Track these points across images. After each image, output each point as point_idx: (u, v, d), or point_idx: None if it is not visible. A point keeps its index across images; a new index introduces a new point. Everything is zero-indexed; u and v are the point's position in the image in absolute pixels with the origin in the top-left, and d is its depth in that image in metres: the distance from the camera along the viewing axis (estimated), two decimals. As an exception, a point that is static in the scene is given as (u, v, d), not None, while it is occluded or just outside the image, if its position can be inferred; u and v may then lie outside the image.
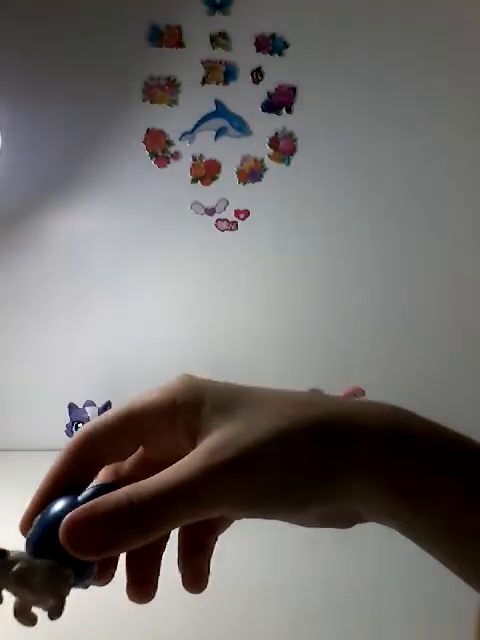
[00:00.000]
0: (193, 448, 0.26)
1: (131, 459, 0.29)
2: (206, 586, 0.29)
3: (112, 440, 0.28)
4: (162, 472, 0.25)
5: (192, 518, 0.25)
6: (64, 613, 0.27)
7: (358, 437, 0.26)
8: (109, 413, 0.27)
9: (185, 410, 0.28)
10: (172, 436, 0.28)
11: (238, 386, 0.29)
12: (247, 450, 0.25)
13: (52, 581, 0.25)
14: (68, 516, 0.25)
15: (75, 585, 0.26)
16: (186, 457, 0.25)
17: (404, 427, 0.27)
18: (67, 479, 0.28)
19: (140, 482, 0.25)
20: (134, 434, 0.28)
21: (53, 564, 0.25)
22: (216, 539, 0.31)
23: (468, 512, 0.25)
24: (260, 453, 0.25)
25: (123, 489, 0.25)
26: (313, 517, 0.27)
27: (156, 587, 0.30)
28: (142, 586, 0.30)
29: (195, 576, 0.30)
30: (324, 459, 0.25)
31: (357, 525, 0.28)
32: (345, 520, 0.28)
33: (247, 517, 0.27)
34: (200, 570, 0.30)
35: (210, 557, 0.31)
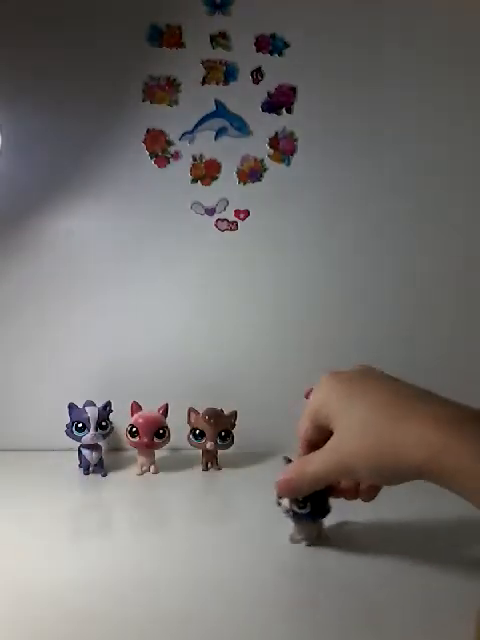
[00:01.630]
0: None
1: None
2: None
3: (313, 436, 0.54)
4: (312, 457, 0.51)
5: (330, 482, 0.54)
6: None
7: (405, 446, 0.43)
8: (305, 427, 0.54)
9: (324, 412, 0.51)
10: (326, 423, 0.51)
11: (345, 392, 0.50)
12: (345, 455, 0.48)
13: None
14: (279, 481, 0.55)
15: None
16: (321, 450, 0.50)
17: (439, 458, 0.42)
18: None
19: (302, 460, 0.53)
20: (317, 428, 0.53)
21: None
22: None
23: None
24: (351, 456, 0.47)
25: (297, 465, 0.53)
26: None
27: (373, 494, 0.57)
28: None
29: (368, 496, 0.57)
30: (386, 460, 0.45)
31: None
32: None
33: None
34: (371, 494, 0.57)
35: (378, 489, 0.56)
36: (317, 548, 0.63)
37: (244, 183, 0.92)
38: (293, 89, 0.90)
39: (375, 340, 0.95)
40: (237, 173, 0.92)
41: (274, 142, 0.91)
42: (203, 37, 0.89)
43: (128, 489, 0.80)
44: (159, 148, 0.90)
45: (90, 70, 0.88)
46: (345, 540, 0.64)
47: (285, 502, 0.58)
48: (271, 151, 0.92)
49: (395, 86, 0.91)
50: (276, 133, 0.91)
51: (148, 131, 0.90)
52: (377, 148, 0.92)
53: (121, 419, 0.85)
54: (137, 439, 0.83)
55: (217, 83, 0.90)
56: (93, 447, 0.83)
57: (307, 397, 0.85)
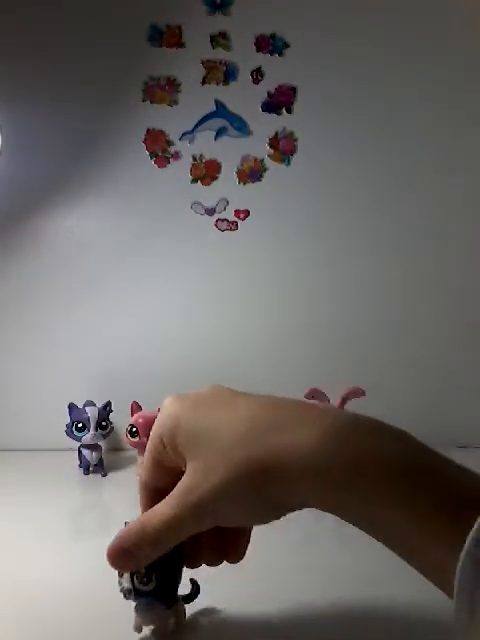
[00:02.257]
0: (184, 467, 0.37)
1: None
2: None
3: (156, 480, 0.42)
4: (159, 507, 0.38)
5: (183, 539, 0.38)
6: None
7: (284, 478, 0.34)
8: (146, 467, 0.42)
9: (171, 442, 0.38)
10: (174, 458, 0.39)
11: (201, 414, 0.38)
12: (207, 498, 0.35)
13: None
14: (108, 549, 0.39)
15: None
16: (172, 494, 0.37)
17: (327, 464, 0.33)
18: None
19: (146, 516, 0.38)
20: (162, 468, 0.41)
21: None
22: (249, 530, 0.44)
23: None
24: (217, 499, 0.35)
25: (132, 527, 0.39)
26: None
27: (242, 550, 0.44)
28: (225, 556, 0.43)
29: (234, 552, 0.44)
30: (264, 499, 0.35)
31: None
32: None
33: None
34: (236, 548, 0.44)
35: (248, 537, 0.44)
36: (318, 544, 0.63)
37: (244, 183, 0.92)
38: (293, 89, 0.90)
39: (375, 340, 0.95)
40: (237, 173, 0.92)
41: (274, 142, 0.91)
42: (203, 37, 0.89)
43: (128, 489, 0.80)
44: (159, 148, 0.90)
45: (90, 70, 0.88)
46: (345, 539, 0.64)
47: (125, 579, 0.41)
48: (271, 151, 0.92)
49: (395, 86, 0.91)
50: (276, 133, 0.91)
51: (148, 131, 0.90)
52: (377, 148, 0.92)
53: (121, 419, 0.85)
54: (137, 439, 0.83)
55: (217, 83, 0.90)
56: (93, 447, 0.83)
57: (307, 397, 0.86)
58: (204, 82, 0.90)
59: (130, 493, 0.79)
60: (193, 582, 0.46)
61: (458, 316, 0.96)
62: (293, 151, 0.92)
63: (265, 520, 0.38)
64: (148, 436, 0.82)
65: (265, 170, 0.92)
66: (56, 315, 0.92)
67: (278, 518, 0.37)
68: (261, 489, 0.34)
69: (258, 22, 0.88)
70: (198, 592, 0.46)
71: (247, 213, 0.92)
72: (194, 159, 0.91)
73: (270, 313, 0.95)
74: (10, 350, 0.92)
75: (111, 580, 0.56)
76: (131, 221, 0.92)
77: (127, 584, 0.41)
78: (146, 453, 0.41)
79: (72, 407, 0.82)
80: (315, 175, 0.92)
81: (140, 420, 0.83)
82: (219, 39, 0.89)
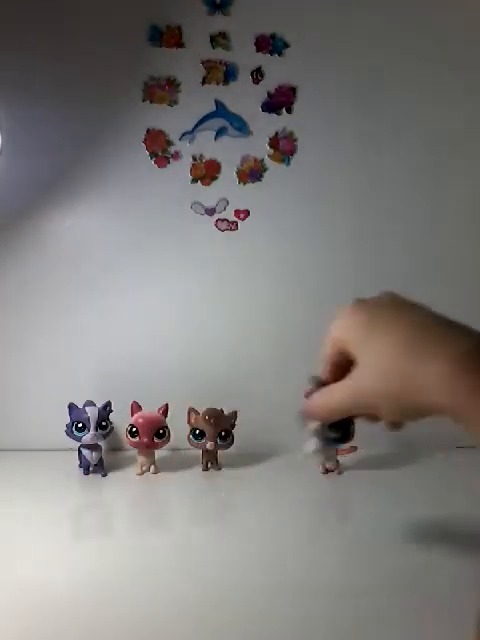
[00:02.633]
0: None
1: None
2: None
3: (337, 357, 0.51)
4: (331, 390, 0.50)
5: (353, 412, 0.50)
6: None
7: (423, 388, 0.41)
8: (326, 350, 0.54)
9: (343, 347, 0.50)
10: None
11: (366, 326, 0.48)
12: (362, 392, 0.46)
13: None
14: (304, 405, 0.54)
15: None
16: (343, 382, 0.49)
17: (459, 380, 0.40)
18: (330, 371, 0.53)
19: (324, 392, 0.51)
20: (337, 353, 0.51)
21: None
22: None
23: None
24: (367, 394, 0.45)
25: (324, 394, 0.51)
26: None
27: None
28: None
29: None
30: (404, 401, 0.43)
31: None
32: None
33: None
34: None
35: None
36: (318, 544, 0.63)
37: (244, 183, 0.92)
38: (293, 89, 0.90)
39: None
40: (237, 173, 0.92)
41: (274, 142, 0.91)
42: (203, 37, 0.89)
43: (128, 489, 0.80)
44: (159, 148, 0.90)
45: (90, 70, 0.88)
46: (345, 539, 0.64)
47: (313, 425, 0.57)
48: (271, 151, 0.92)
49: (395, 86, 0.91)
50: (276, 133, 0.91)
51: (148, 131, 0.90)
52: (377, 148, 0.92)
53: (121, 419, 0.85)
54: (137, 439, 0.83)
55: (217, 83, 0.90)
56: (93, 447, 0.83)
57: (307, 397, 0.86)
58: (204, 82, 0.90)
59: (130, 493, 0.80)
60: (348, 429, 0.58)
61: (459, 315, 0.96)
62: (293, 151, 0.92)
63: (409, 417, 0.45)
64: (148, 436, 0.82)
65: (265, 170, 0.92)
66: (56, 315, 0.92)
67: (417, 419, 0.44)
68: (406, 392, 0.42)
69: (258, 22, 0.88)
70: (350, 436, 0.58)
71: (247, 213, 0.92)
72: (194, 159, 0.91)
73: (270, 312, 0.95)
74: (10, 350, 0.92)
75: (111, 579, 0.56)
76: (131, 221, 0.92)
77: (317, 428, 0.56)
78: (325, 343, 0.53)
79: (72, 407, 0.82)
80: (315, 175, 0.92)
81: (140, 420, 0.83)
82: (219, 39, 0.89)
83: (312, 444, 0.58)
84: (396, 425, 0.52)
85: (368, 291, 0.98)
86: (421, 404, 0.41)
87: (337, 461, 0.85)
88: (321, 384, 0.56)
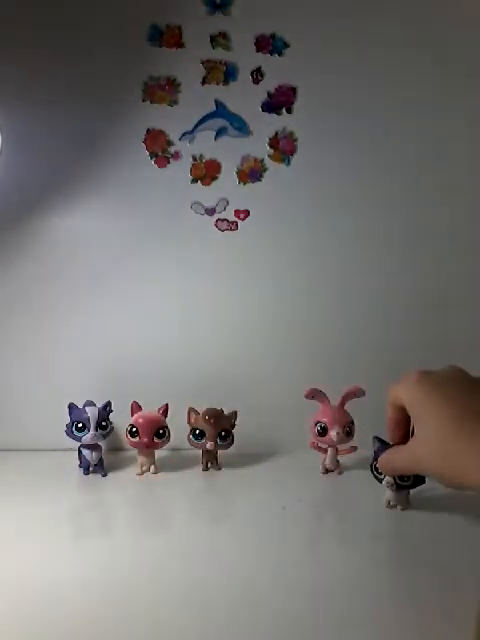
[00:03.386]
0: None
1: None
2: None
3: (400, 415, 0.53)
4: (399, 451, 0.52)
5: (414, 472, 0.58)
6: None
7: (467, 470, 0.44)
8: (391, 407, 0.54)
9: (405, 412, 0.52)
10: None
11: (423, 398, 0.50)
12: (419, 463, 0.48)
13: None
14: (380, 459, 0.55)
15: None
16: (406, 447, 0.51)
17: None
18: (396, 428, 0.54)
19: (393, 451, 0.53)
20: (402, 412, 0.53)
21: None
22: None
23: None
24: (423, 466, 0.48)
25: (388, 455, 0.53)
26: None
27: None
28: None
29: None
30: (450, 478, 0.46)
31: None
32: None
33: None
34: None
35: None
36: (318, 544, 0.63)
37: (244, 183, 0.92)
38: (293, 89, 0.90)
39: (376, 339, 0.95)
40: (237, 173, 0.92)
41: (274, 142, 0.91)
42: (203, 37, 0.88)
43: (128, 489, 0.80)
44: (159, 148, 0.90)
45: (90, 70, 0.88)
46: (346, 539, 0.64)
47: (388, 477, 0.72)
48: (271, 151, 0.92)
49: (395, 86, 0.91)
50: (276, 133, 0.91)
51: (148, 131, 0.90)
52: (377, 148, 0.92)
53: (121, 419, 0.85)
54: (137, 439, 0.83)
55: (217, 83, 0.90)
56: (93, 447, 0.83)
57: (307, 397, 0.86)
58: (204, 82, 0.90)
59: (130, 493, 0.80)
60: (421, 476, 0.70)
61: (460, 317, 0.96)
62: (293, 151, 0.92)
63: (459, 489, 0.47)
64: (148, 436, 0.82)
65: (265, 170, 0.92)
66: (56, 315, 0.92)
67: (467, 490, 0.47)
68: (452, 472, 0.45)
69: (258, 22, 0.88)
70: (424, 481, 0.72)
71: (247, 213, 0.92)
72: (194, 159, 0.91)
73: (270, 312, 0.95)
74: (10, 350, 0.92)
75: (111, 580, 0.56)
76: (131, 221, 0.92)
77: (390, 479, 0.72)
78: (389, 406, 0.54)
79: (72, 407, 0.82)
80: (315, 175, 0.92)
81: (140, 420, 0.83)
82: (219, 39, 0.89)
83: (387, 493, 0.72)
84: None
85: (369, 291, 0.98)
86: (465, 482, 0.44)
87: (337, 461, 0.85)
88: (383, 443, 0.66)
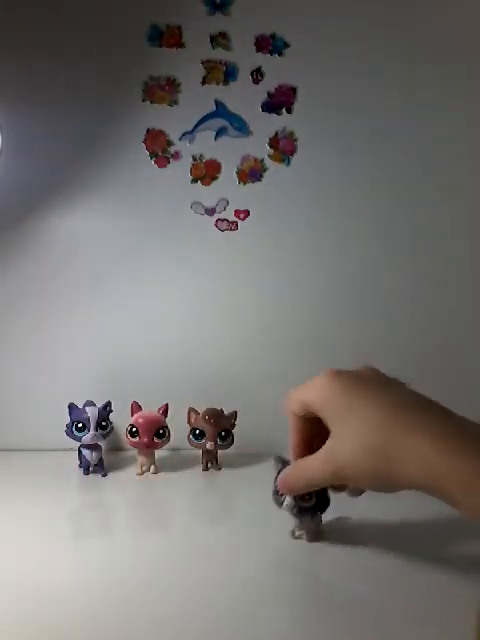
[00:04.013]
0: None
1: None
2: None
3: (304, 416, 0.53)
4: (307, 461, 0.50)
5: (326, 485, 0.54)
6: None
7: (405, 463, 0.43)
8: (295, 405, 0.53)
9: (316, 411, 0.50)
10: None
11: (346, 397, 0.47)
12: (341, 466, 0.46)
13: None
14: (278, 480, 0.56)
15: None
16: (318, 455, 0.49)
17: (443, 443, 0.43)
18: (297, 437, 0.54)
19: (300, 463, 0.52)
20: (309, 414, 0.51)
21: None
22: None
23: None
24: (348, 468, 0.46)
25: (294, 470, 0.53)
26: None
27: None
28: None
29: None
30: (385, 475, 0.44)
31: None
32: None
33: None
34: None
35: None
36: (316, 546, 0.63)
37: (244, 183, 0.92)
38: (293, 89, 0.90)
39: (375, 340, 0.95)
40: (237, 173, 0.92)
41: (274, 142, 0.91)
42: (203, 37, 0.88)
43: (128, 489, 0.80)
44: (159, 148, 0.90)
45: (90, 70, 0.88)
46: (343, 536, 0.64)
47: (288, 499, 0.59)
48: (271, 151, 0.92)
49: (395, 86, 0.91)
50: (276, 133, 0.91)
51: (148, 131, 0.90)
52: (377, 148, 0.92)
53: (121, 419, 0.85)
54: (137, 439, 0.83)
55: (217, 83, 0.90)
56: (93, 447, 0.83)
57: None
58: (204, 82, 0.90)
59: (130, 493, 0.79)
60: (325, 497, 0.60)
61: (461, 316, 0.96)
62: (293, 151, 0.92)
63: (385, 490, 0.47)
64: (148, 436, 0.82)
65: (265, 170, 0.92)
66: (56, 315, 0.92)
67: (393, 491, 0.46)
68: (386, 467, 0.43)
69: (258, 22, 0.88)
70: (328, 503, 0.61)
71: (247, 213, 0.92)
72: (194, 159, 0.91)
73: (270, 313, 0.95)
74: (10, 350, 0.92)
75: (111, 580, 0.56)
76: (131, 221, 0.92)
77: (291, 502, 0.59)
78: (294, 409, 0.53)
79: (72, 407, 0.82)
80: (315, 175, 0.92)
81: (140, 420, 0.83)
82: (219, 39, 0.89)
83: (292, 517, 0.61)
84: (360, 492, 0.55)
85: (369, 291, 0.98)
86: (399, 479, 0.43)
87: None
88: (286, 462, 0.58)
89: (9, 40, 0.86)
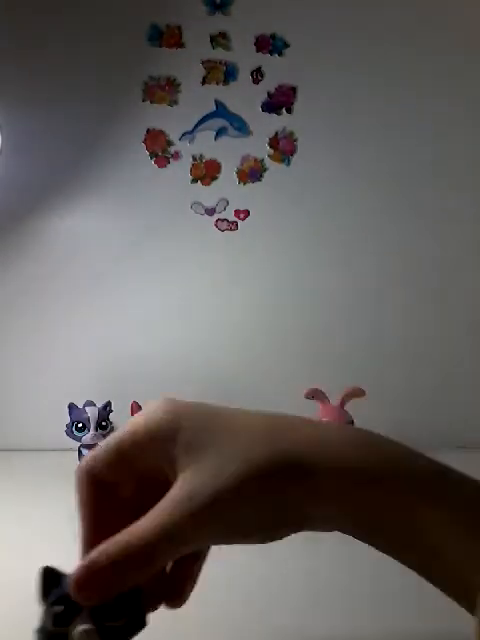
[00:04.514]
0: (173, 475, 0.31)
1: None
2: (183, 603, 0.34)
3: (110, 473, 0.32)
4: (148, 518, 0.29)
5: (176, 556, 0.31)
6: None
7: (312, 474, 0.29)
8: (100, 450, 0.33)
9: (163, 442, 0.31)
10: (155, 461, 0.32)
11: (208, 415, 0.33)
12: (217, 499, 0.29)
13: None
14: (73, 574, 0.29)
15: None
16: (165, 501, 0.30)
17: (360, 462, 0.30)
18: (94, 515, 0.33)
19: (130, 530, 0.29)
20: (126, 464, 0.32)
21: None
22: (201, 565, 0.37)
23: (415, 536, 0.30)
24: (227, 501, 0.29)
25: (117, 538, 0.29)
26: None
27: (187, 594, 0.35)
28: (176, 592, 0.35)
29: (179, 595, 0.35)
30: (282, 501, 0.29)
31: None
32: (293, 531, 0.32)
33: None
34: (183, 591, 0.35)
35: (195, 580, 0.36)
36: (316, 547, 0.63)
37: (244, 183, 0.92)
38: (293, 89, 0.90)
39: (375, 340, 0.95)
40: (237, 173, 0.92)
41: (274, 142, 0.91)
42: (203, 37, 0.88)
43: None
44: (159, 148, 0.90)
45: (90, 70, 0.88)
46: (342, 536, 0.64)
47: (83, 619, 0.30)
48: (271, 151, 0.92)
49: (395, 86, 0.91)
50: (276, 133, 0.91)
51: (148, 131, 0.90)
52: (377, 148, 0.92)
53: (121, 419, 0.85)
54: (137, 439, 0.83)
55: (217, 83, 0.90)
56: (93, 447, 0.83)
57: (307, 397, 0.86)
58: (204, 82, 0.89)
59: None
60: (139, 611, 0.33)
61: (458, 317, 0.96)
62: (293, 151, 0.92)
63: (275, 533, 0.32)
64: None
65: (265, 170, 0.92)
66: (56, 315, 0.92)
67: (287, 532, 0.32)
68: (283, 489, 0.29)
69: (258, 22, 0.88)
70: (144, 623, 0.34)
71: (247, 213, 0.92)
72: (194, 159, 0.91)
73: (270, 313, 0.95)
74: (10, 350, 0.92)
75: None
76: (131, 221, 0.92)
77: (86, 625, 0.30)
78: (110, 442, 0.32)
79: (72, 407, 0.82)
80: (315, 175, 0.92)
81: (140, 420, 0.83)
82: (219, 39, 0.89)
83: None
84: (188, 590, 0.36)
85: (369, 292, 0.98)
86: (310, 486, 0.30)
87: None
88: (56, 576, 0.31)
89: (9, 40, 0.86)
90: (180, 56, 0.89)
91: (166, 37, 0.88)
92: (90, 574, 0.29)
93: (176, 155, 0.91)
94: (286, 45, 0.89)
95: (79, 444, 0.83)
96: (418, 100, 0.92)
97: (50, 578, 0.31)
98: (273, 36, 0.89)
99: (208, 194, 0.92)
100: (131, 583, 0.30)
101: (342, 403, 0.84)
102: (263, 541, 0.33)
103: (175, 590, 0.35)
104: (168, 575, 0.34)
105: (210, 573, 0.59)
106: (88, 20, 0.87)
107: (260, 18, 0.88)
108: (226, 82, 0.90)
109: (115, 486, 0.33)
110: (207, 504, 0.29)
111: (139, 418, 0.33)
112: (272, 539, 0.32)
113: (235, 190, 0.92)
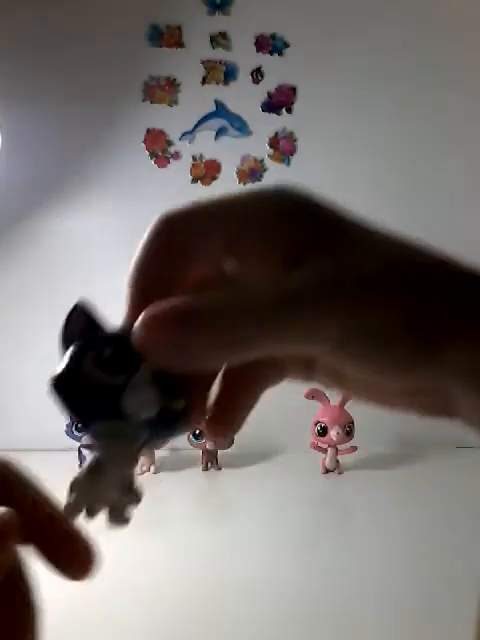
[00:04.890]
0: (286, 265, 0.21)
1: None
2: (233, 433, 0.25)
3: (199, 230, 0.22)
4: (265, 282, 0.21)
5: (285, 346, 0.21)
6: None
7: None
8: (196, 202, 0.23)
9: (298, 216, 0.21)
10: (264, 246, 0.22)
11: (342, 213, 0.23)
12: (362, 285, 0.20)
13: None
14: (149, 310, 0.19)
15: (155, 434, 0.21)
16: (298, 273, 0.21)
17: None
18: (152, 275, 0.22)
19: (240, 288, 0.21)
20: (225, 229, 0.22)
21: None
22: (262, 391, 0.26)
23: None
24: (377, 292, 0.20)
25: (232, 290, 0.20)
26: (403, 388, 0.22)
27: (239, 424, 0.25)
28: (224, 414, 0.25)
29: (230, 420, 0.25)
30: (416, 302, 0.20)
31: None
32: (434, 407, 0.22)
33: (330, 362, 0.22)
34: (235, 416, 0.25)
35: (248, 412, 0.26)
36: (315, 545, 0.63)
37: (244, 183, 0.92)
38: (293, 89, 0.90)
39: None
40: (237, 173, 0.92)
41: (274, 142, 0.91)
42: (203, 37, 0.88)
43: (128, 489, 0.80)
44: (159, 148, 0.90)
45: (90, 70, 0.88)
46: (342, 536, 0.64)
47: (145, 391, 0.21)
48: (271, 151, 0.92)
49: (394, 86, 0.91)
50: (276, 133, 0.91)
51: (148, 131, 0.90)
52: (377, 148, 0.92)
53: (121, 419, 0.85)
54: (137, 439, 0.83)
55: (217, 83, 0.90)
56: (93, 447, 0.83)
57: (307, 397, 0.86)
58: (204, 82, 0.89)
59: (130, 493, 0.80)
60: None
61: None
62: (293, 151, 0.92)
63: (403, 363, 0.20)
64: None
65: (265, 170, 0.92)
66: (56, 315, 0.92)
67: (415, 363, 0.20)
68: (420, 284, 0.20)
69: (258, 22, 0.88)
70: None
71: (247, 213, 0.92)
72: (194, 159, 0.91)
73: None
74: (10, 350, 0.92)
75: (111, 580, 0.56)
76: (131, 221, 0.91)
77: (150, 395, 0.21)
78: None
79: (72, 407, 0.82)
80: (315, 175, 0.92)
81: (140, 420, 0.83)
82: (219, 39, 0.89)
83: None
84: (239, 421, 0.25)
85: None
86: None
87: (337, 461, 0.85)
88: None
89: (9, 40, 0.86)
90: (180, 56, 0.89)
91: (166, 37, 0.88)
92: (180, 315, 0.20)
93: (176, 155, 0.91)
94: (286, 45, 0.89)
95: (79, 444, 0.83)
96: (417, 100, 0.92)
97: (84, 320, 0.23)
98: (273, 36, 0.89)
99: (208, 194, 0.91)
100: (221, 357, 0.21)
101: (342, 403, 0.84)
102: (380, 368, 0.21)
103: (225, 414, 0.25)
104: (220, 396, 0.24)
105: (210, 573, 0.59)
106: (88, 20, 0.87)
107: (260, 18, 0.88)
108: (226, 82, 0.90)
109: (189, 250, 0.22)
110: (349, 288, 0.20)
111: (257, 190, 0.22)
112: (392, 369, 0.21)
113: (235, 190, 0.92)
